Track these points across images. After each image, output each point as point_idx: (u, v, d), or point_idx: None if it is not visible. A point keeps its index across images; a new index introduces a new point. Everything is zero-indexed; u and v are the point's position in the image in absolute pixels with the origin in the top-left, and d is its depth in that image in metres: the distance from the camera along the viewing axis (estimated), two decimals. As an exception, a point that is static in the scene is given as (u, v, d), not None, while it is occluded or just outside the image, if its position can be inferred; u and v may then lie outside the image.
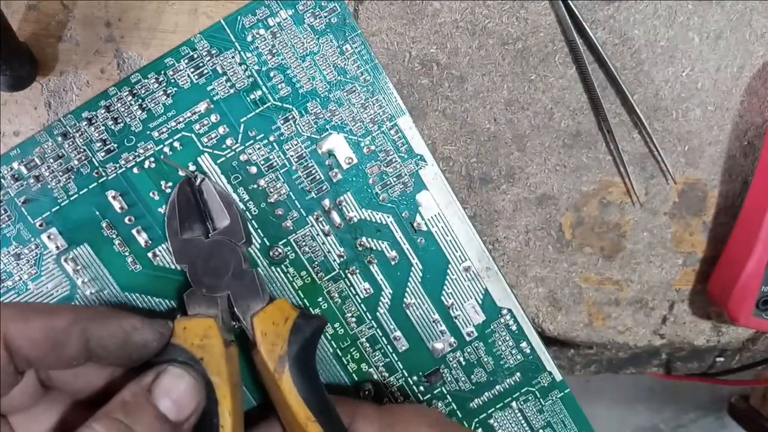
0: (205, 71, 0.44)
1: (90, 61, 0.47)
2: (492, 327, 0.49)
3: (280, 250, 0.46)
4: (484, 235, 0.51)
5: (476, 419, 0.51)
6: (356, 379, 0.49)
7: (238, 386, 0.43)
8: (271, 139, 0.45)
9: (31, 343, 0.36)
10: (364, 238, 0.47)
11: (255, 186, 0.45)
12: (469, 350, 0.49)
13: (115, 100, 0.44)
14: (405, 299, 0.48)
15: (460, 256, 0.47)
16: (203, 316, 0.42)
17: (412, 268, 0.47)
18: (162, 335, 0.40)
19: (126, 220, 0.45)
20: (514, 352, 0.49)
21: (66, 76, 0.47)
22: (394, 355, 0.49)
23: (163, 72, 0.44)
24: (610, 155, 0.51)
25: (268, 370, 0.42)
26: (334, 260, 0.47)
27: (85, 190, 0.44)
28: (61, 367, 0.38)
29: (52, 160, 0.44)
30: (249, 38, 0.44)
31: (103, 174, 0.44)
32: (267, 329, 0.43)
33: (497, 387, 0.50)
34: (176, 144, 0.44)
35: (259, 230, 0.46)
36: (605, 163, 0.51)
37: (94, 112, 0.44)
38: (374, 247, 0.47)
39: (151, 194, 0.45)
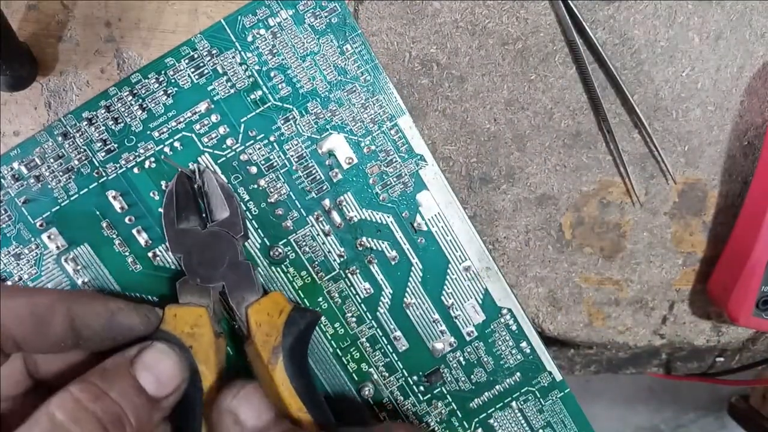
0: (206, 71, 0.44)
1: (90, 61, 0.47)
2: (492, 327, 0.49)
3: (280, 250, 0.46)
4: (484, 235, 0.51)
5: (476, 419, 0.50)
6: (356, 379, 0.49)
7: (222, 378, 0.44)
8: (272, 139, 0.45)
9: (16, 321, 0.36)
10: (364, 238, 0.47)
11: (255, 186, 0.45)
12: (469, 350, 0.49)
13: (116, 100, 0.44)
14: (405, 299, 0.48)
15: (460, 256, 0.47)
16: (195, 305, 0.43)
17: (413, 268, 0.47)
18: (148, 319, 0.41)
19: (126, 220, 0.45)
20: (514, 351, 0.49)
21: (66, 76, 0.47)
22: (394, 354, 0.49)
23: (163, 72, 0.44)
24: (610, 155, 0.51)
25: (261, 361, 0.43)
26: (335, 260, 0.47)
27: (86, 190, 0.44)
28: (47, 349, 0.38)
29: (52, 160, 0.44)
30: (249, 38, 0.44)
31: (104, 174, 0.44)
32: (262, 320, 0.43)
33: (497, 387, 0.50)
34: (177, 144, 0.44)
35: (259, 230, 0.46)
36: (605, 163, 0.51)
37: (95, 112, 0.44)
38: (374, 247, 0.47)
39: (151, 194, 0.45)
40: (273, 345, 0.42)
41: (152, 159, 0.44)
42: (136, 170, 0.44)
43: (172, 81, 0.44)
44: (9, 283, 0.45)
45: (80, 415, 0.34)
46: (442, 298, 0.48)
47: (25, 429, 0.34)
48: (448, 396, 0.50)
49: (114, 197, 0.44)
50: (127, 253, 0.45)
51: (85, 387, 0.35)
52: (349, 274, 0.47)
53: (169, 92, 0.44)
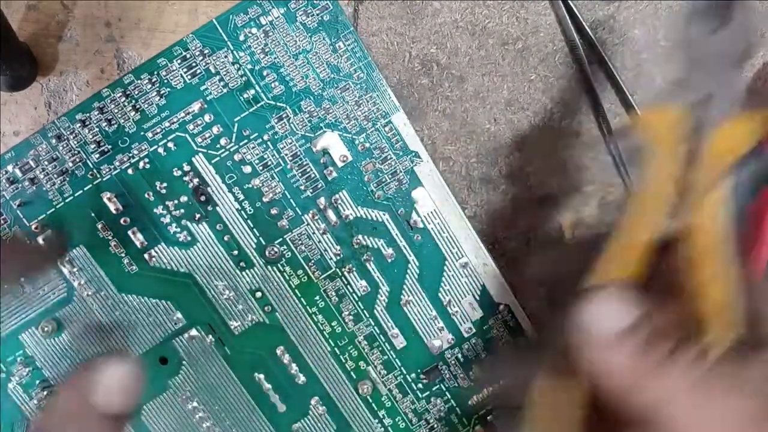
0: (198, 71, 0.41)
1: (90, 61, 0.44)
2: (490, 323, 0.45)
3: (276, 249, 0.43)
4: (483, 235, 0.48)
5: (475, 416, 0.47)
6: (354, 377, 0.45)
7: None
8: (266, 138, 0.42)
9: None
10: (360, 236, 0.43)
11: (250, 185, 0.42)
12: (467, 347, 0.46)
13: (109, 101, 0.41)
14: (402, 297, 0.44)
15: (456, 253, 0.44)
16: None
17: (409, 266, 0.44)
18: None
19: (121, 221, 0.42)
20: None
21: (66, 76, 0.44)
22: (392, 352, 0.45)
23: (156, 72, 0.41)
24: (610, 155, 0.47)
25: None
26: (331, 258, 0.43)
27: (80, 191, 0.41)
28: None
29: (46, 163, 0.41)
30: (241, 37, 0.41)
31: (98, 175, 0.41)
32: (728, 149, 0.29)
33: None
34: (170, 144, 0.41)
35: (254, 229, 0.43)
36: (605, 163, 0.47)
37: (88, 114, 0.41)
38: (370, 245, 0.44)
39: (146, 195, 0.42)
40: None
41: (146, 160, 0.41)
42: (130, 171, 0.41)
43: (165, 81, 0.41)
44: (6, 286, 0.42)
45: None
46: (440, 295, 0.45)
47: None
48: (446, 393, 0.46)
49: (109, 199, 0.41)
50: (123, 255, 0.42)
51: None
52: (345, 273, 0.44)
53: (162, 93, 0.41)
